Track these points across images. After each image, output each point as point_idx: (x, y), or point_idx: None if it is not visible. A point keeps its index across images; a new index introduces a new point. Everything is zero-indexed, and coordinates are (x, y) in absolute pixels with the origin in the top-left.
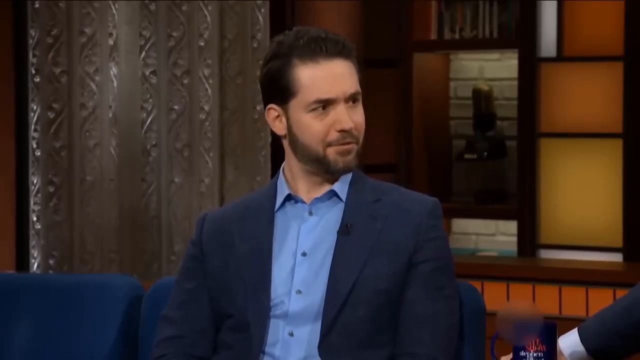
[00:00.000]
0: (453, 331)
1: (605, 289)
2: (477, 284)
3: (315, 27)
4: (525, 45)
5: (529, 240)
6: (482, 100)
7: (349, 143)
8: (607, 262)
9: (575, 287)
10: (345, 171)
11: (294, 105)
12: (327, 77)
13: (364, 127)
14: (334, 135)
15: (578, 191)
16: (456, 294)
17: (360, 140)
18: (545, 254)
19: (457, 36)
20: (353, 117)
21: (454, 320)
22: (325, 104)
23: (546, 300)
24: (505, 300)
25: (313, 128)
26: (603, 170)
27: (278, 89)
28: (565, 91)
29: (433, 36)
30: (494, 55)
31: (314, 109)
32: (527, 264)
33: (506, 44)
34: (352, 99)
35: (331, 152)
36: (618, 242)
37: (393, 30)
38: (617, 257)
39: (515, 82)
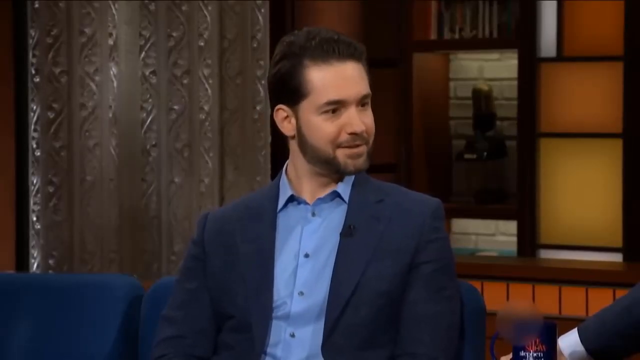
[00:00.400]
0: (453, 331)
1: (605, 289)
2: (477, 284)
3: (325, 28)
4: (525, 45)
5: (528, 240)
6: (482, 100)
7: (358, 145)
8: (607, 262)
9: (575, 287)
10: (355, 173)
11: (305, 106)
12: (339, 79)
13: (374, 129)
14: (344, 137)
15: (578, 191)
16: (457, 294)
17: (371, 141)
18: (545, 254)
19: (456, 36)
20: (364, 120)
21: (454, 320)
22: (337, 106)
23: (546, 300)
24: (505, 300)
25: (324, 130)
26: (603, 170)
27: (288, 90)
28: (565, 91)
29: (433, 36)
30: (494, 55)
31: (325, 111)
32: (527, 264)
33: (506, 44)
34: (362, 101)
35: (341, 154)
36: (618, 242)
37: (393, 30)
38: (617, 257)
39: (515, 82)
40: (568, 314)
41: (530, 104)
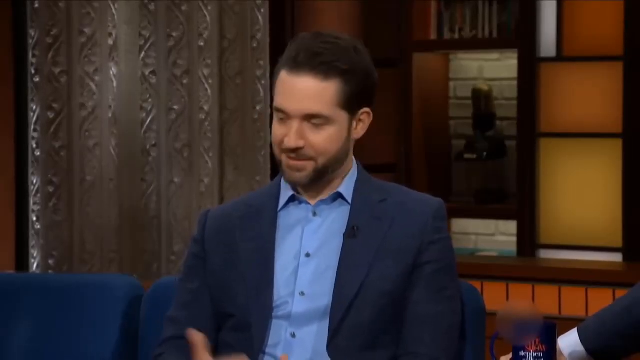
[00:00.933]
0: (455, 331)
1: (605, 289)
2: (477, 284)
3: (323, 37)
4: (525, 45)
5: (528, 240)
6: (481, 100)
7: (297, 159)
8: (607, 262)
9: (575, 287)
10: (296, 185)
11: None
12: (287, 90)
13: (328, 147)
14: (284, 146)
15: (578, 191)
16: (458, 294)
17: (320, 159)
18: (545, 254)
19: (456, 36)
20: (309, 137)
21: (455, 320)
22: (284, 115)
23: (546, 300)
24: (505, 300)
25: (274, 132)
26: (603, 170)
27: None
28: (565, 91)
29: (433, 36)
30: (494, 55)
31: (277, 116)
32: (526, 264)
33: (506, 44)
34: (310, 119)
35: (284, 162)
36: (618, 242)
37: (393, 30)
38: (617, 257)
39: (515, 82)
40: (568, 314)
41: (530, 104)
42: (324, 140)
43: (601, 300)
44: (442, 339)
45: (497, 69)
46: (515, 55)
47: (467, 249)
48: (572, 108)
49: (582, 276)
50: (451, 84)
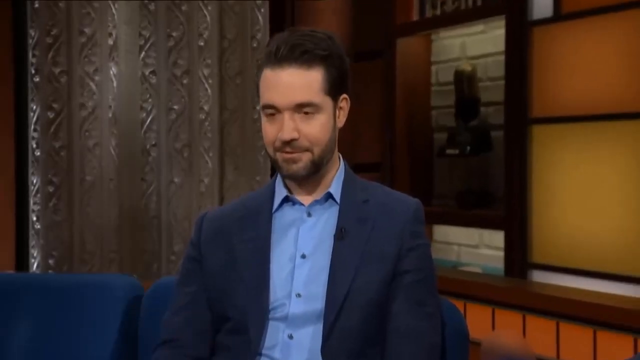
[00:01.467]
0: (435, 350)
1: (622, 334)
2: (459, 304)
3: (298, 31)
4: (514, 8)
5: (518, 257)
6: (464, 82)
7: (292, 152)
8: (625, 298)
9: (579, 325)
10: (293, 178)
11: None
12: (273, 84)
13: (321, 136)
14: (279, 142)
15: (582, 195)
16: (438, 312)
17: (315, 149)
18: (538, 277)
19: (438, 12)
20: (302, 128)
21: (436, 340)
22: (273, 111)
23: (540, 336)
24: (491, 329)
25: (265, 131)
26: (618, 166)
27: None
28: (565, 61)
29: (415, 17)
30: (478, 27)
31: (265, 113)
32: (516, 287)
33: (492, 12)
34: (300, 109)
35: (279, 158)
36: (638, 268)
37: (381, 21)
38: (638, 291)
39: (502, 57)
40: (568, 358)
41: (520, 83)
42: (316, 129)
43: (616, 348)
44: (421, 355)
45: (481, 43)
46: (502, 23)
47: (449, 261)
48: (574, 83)
49: (589, 312)
50: (433, 68)
